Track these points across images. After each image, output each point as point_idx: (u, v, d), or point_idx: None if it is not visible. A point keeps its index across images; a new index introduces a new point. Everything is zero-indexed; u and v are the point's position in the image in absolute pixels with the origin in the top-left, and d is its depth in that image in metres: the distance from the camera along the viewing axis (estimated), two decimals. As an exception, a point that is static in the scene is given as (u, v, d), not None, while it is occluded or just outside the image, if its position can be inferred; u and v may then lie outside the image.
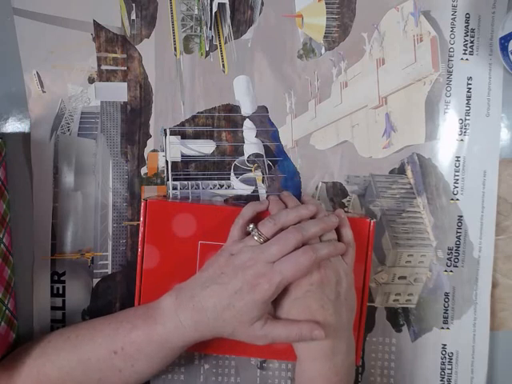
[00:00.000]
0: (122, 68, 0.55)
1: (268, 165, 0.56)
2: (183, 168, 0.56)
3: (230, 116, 0.56)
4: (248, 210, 0.49)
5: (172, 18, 0.55)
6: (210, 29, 0.55)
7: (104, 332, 0.48)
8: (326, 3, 0.55)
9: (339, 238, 0.49)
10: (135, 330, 0.47)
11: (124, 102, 0.56)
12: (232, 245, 0.48)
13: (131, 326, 0.47)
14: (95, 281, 0.56)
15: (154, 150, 0.56)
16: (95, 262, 0.56)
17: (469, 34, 0.54)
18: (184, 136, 0.56)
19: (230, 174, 0.56)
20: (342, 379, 0.47)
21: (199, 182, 0.56)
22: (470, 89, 0.55)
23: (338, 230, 0.50)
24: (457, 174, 0.55)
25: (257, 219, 0.49)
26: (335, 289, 0.46)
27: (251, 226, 0.47)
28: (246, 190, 0.56)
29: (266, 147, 0.56)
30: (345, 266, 0.48)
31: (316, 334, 0.45)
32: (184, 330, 0.45)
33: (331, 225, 0.48)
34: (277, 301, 0.47)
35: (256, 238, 0.46)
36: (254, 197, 0.56)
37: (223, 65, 0.56)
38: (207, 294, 0.45)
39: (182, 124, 0.56)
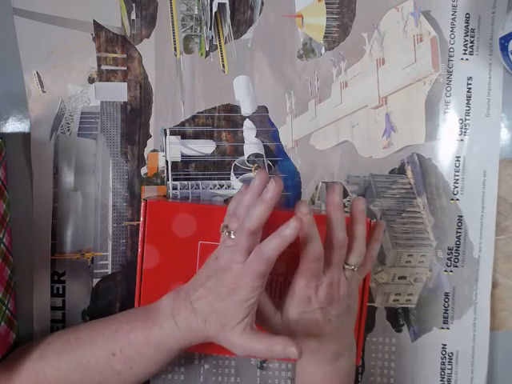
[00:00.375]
0: (122, 68, 0.55)
1: (268, 165, 0.56)
2: (183, 168, 0.56)
3: (230, 116, 0.56)
4: (232, 207, 0.47)
5: (172, 18, 0.55)
6: (210, 29, 0.55)
7: (103, 334, 0.48)
8: (326, 3, 0.55)
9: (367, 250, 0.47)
10: (134, 331, 0.46)
11: (124, 102, 0.56)
12: (219, 247, 0.47)
13: (130, 328, 0.47)
14: (95, 281, 0.56)
15: (154, 150, 0.56)
16: (95, 261, 0.56)
17: (469, 33, 0.54)
18: (184, 136, 0.56)
19: (229, 174, 0.56)
20: (344, 381, 0.47)
21: (199, 182, 0.56)
22: (469, 89, 0.55)
23: (368, 243, 0.47)
24: (457, 174, 0.55)
25: None
26: (345, 302, 0.46)
27: (221, 226, 0.46)
28: (246, 190, 0.56)
29: (266, 147, 0.56)
30: (358, 277, 0.47)
31: (289, 352, 0.42)
32: (179, 332, 0.45)
33: (269, 196, 0.42)
34: (284, 307, 0.46)
35: (232, 236, 0.44)
36: (254, 197, 0.56)
37: (223, 65, 0.56)
38: (196, 297, 0.45)
39: (182, 124, 0.56)
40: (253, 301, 0.43)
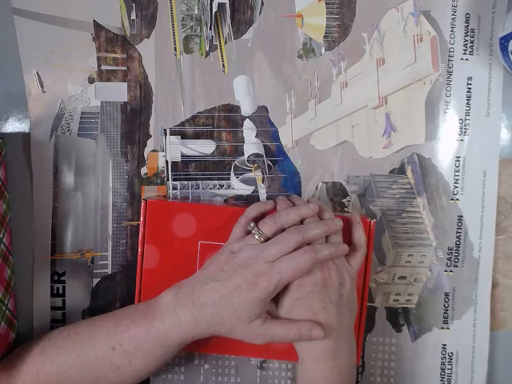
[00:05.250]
0: (122, 68, 0.55)
1: (268, 165, 0.56)
2: (183, 168, 0.56)
3: (230, 116, 0.56)
4: (252, 210, 0.49)
5: (172, 18, 0.55)
6: (210, 29, 0.55)
7: (103, 329, 0.48)
8: (326, 3, 0.55)
9: (351, 240, 0.50)
10: (134, 325, 0.47)
11: (124, 102, 0.56)
12: (233, 243, 0.48)
13: (130, 322, 0.47)
14: (95, 281, 0.56)
15: (154, 150, 0.56)
16: (95, 261, 0.56)
17: (469, 34, 0.54)
18: (184, 136, 0.56)
19: (229, 174, 0.56)
20: (345, 379, 0.47)
21: (199, 182, 0.56)
22: (469, 89, 0.55)
23: (351, 232, 0.50)
24: (457, 173, 0.55)
25: (260, 220, 0.49)
26: (338, 291, 0.46)
27: (251, 224, 0.47)
28: (246, 189, 0.56)
29: (265, 147, 0.56)
30: (349, 268, 0.48)
31: (315, 334, 0.45)
32: (182, 326, 0.46)
33: (334, 228, 0.48)
34: (279, 300, 0.47)
35: (256, 236, 0.47)
36: (253, 197, 0.56)
37: (223, 65, 0.56)
38: (206, 291, 0.45)
39: (182, 124, 0.56)
40: (270, 297, 0.45)
